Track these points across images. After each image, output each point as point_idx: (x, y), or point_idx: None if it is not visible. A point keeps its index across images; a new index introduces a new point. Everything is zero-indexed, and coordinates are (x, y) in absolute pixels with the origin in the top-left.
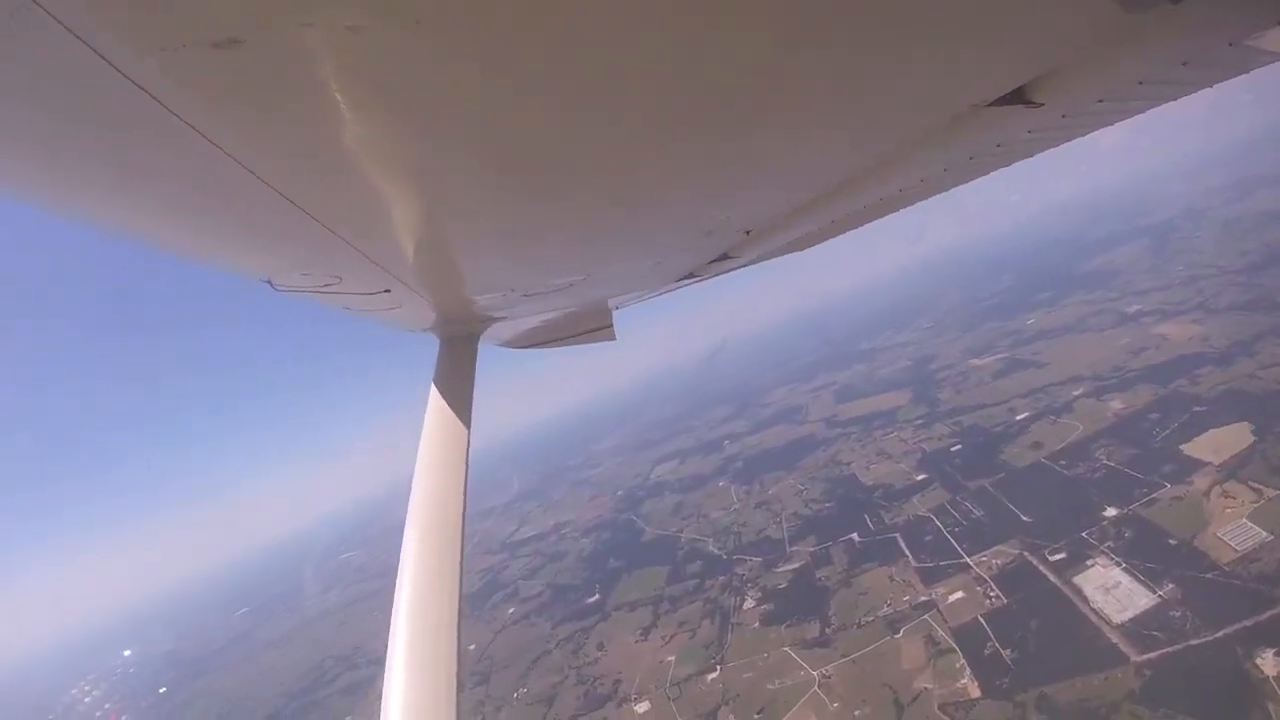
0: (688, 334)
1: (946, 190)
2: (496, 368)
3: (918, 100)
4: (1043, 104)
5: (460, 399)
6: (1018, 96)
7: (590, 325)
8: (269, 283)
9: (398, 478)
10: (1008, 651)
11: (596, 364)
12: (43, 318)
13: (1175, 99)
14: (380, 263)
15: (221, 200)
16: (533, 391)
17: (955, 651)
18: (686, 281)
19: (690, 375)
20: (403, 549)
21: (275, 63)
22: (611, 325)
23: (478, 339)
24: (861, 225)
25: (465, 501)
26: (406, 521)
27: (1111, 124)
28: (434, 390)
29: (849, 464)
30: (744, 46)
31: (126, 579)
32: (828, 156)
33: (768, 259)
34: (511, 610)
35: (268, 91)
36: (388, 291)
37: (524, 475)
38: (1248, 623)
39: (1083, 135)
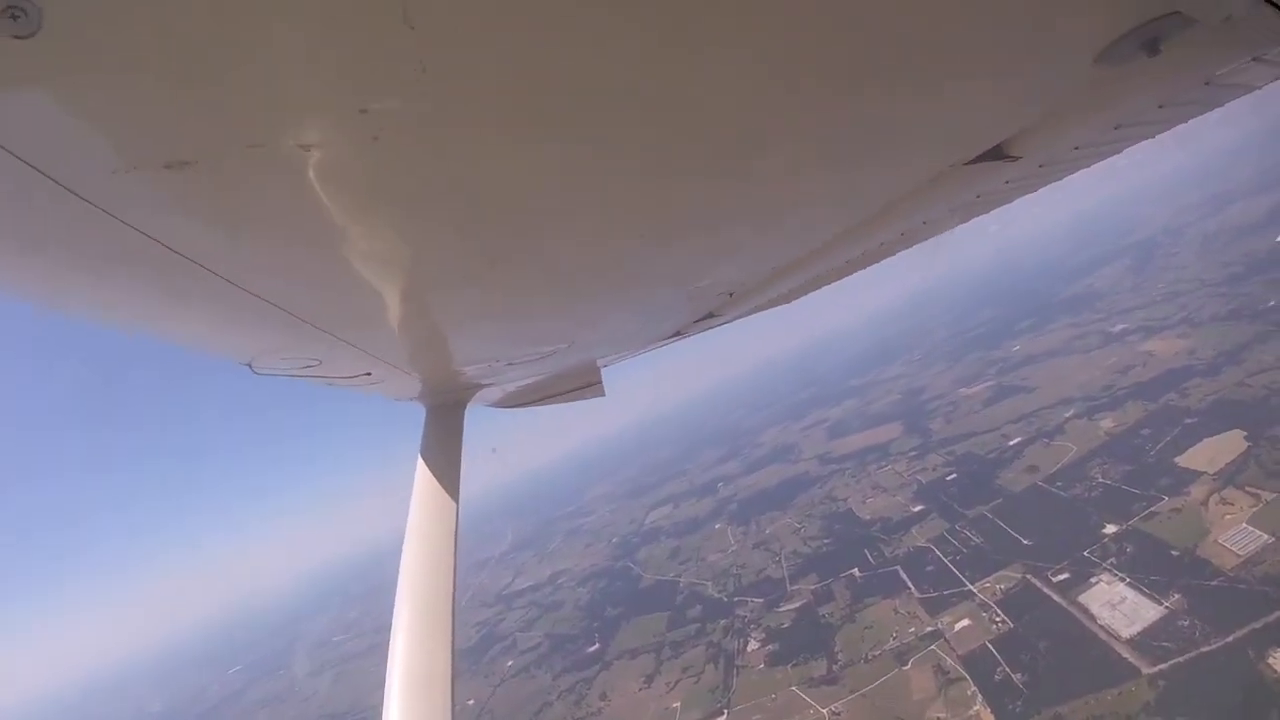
0: (674, 380)
1: (926, 240)
2: (484, 418)
3: (898, 166)
4: (1020, 157)
5: (448, 471)
6: (996, 153)
7: (579, 383)
8: (249, 365)
9: (390, 530)
10: (1018, 675)
11: (584, 412)
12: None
13: (1152, 137)
14: (359, 346)
15: (194, 300)
16: (521, 441)
17: (965, 679)
18: (672, 340)
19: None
20: (393, 625)
21: (228, 180)
22: (600, 382)
23: (464, 407)
24: (842, 278)
25: (455, 576)
26: (396, 597)
27: (1088, 166)
28: (421, 462)
29: (845, 500)
30: (727, 127)
31: (118, 636)
32: (807, 225)
33: (753, 314)
34: (510, 663)
35: (225, 204)
36: (368, 374)
37: (517, 526)
38: (1257, 625)
39: (1059, 180)
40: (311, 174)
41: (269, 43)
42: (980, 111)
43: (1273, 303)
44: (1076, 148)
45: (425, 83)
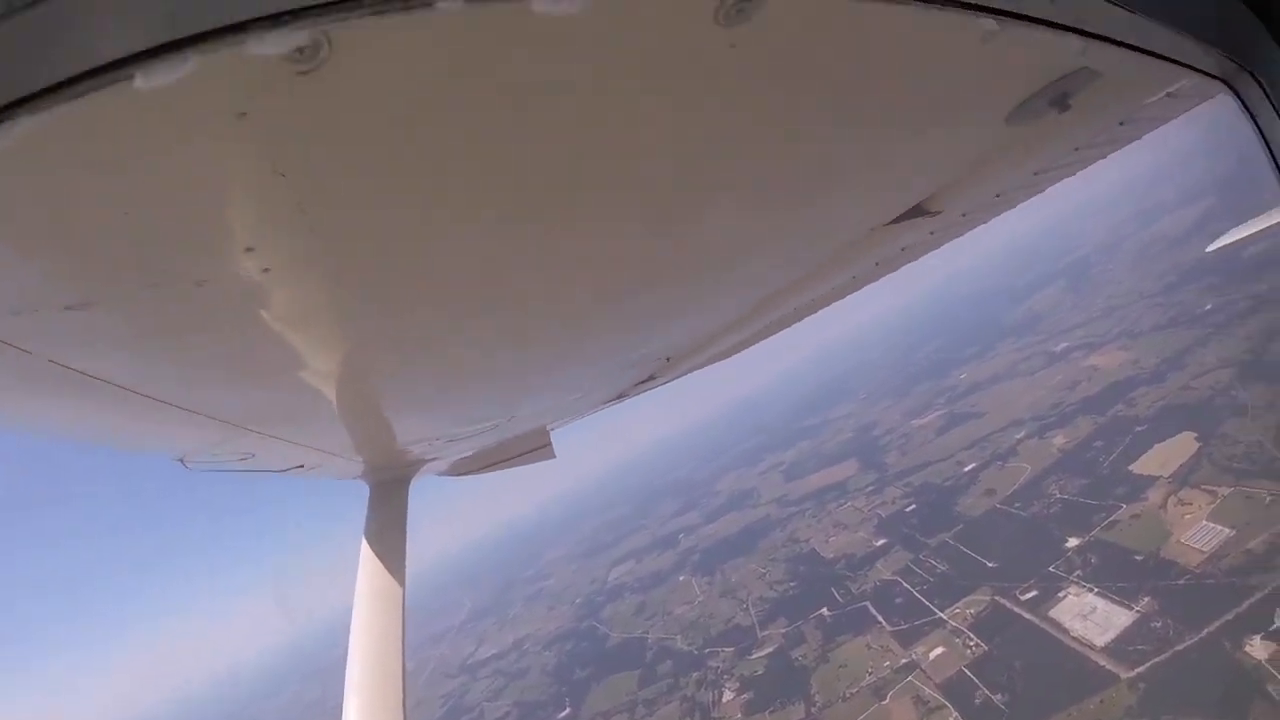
0: (620, 438)
1: (858, 290)
2: (431, 485)
3: (820, 236)
4: (941, 211)
5: (393, 552)
6: (917, 210)
7: (528, 447)
8: (181, 461)
9: (342, 604)
10: (999, 696)
11: (534, 472)
12: None
13: (1073, 175)
14: (291, 440)
15: (116, 414)
16: (472, 506)
17: (946, 707)
18: (614, 402)
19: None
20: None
21: (130, 316)
22: (550, 444)
23: (409, 483)
24: (777, 333)
25: (404, 662)
26: (345, 689)
27: (1014, 207)
28: (365, 544)
29: (807, 540)
30: (651, 212)
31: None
32: (734, 296)
33: (693, 371)
34: None
35: (130, 336)
36: (301, 465)
37: (475, 593)
38: (1229, 616)
39: (985, 223)
40: (210, 305)
41: (156, 199)
42: (896, 179)
43: (1209, 306)
44: (997, 195)
45: (307, 219)
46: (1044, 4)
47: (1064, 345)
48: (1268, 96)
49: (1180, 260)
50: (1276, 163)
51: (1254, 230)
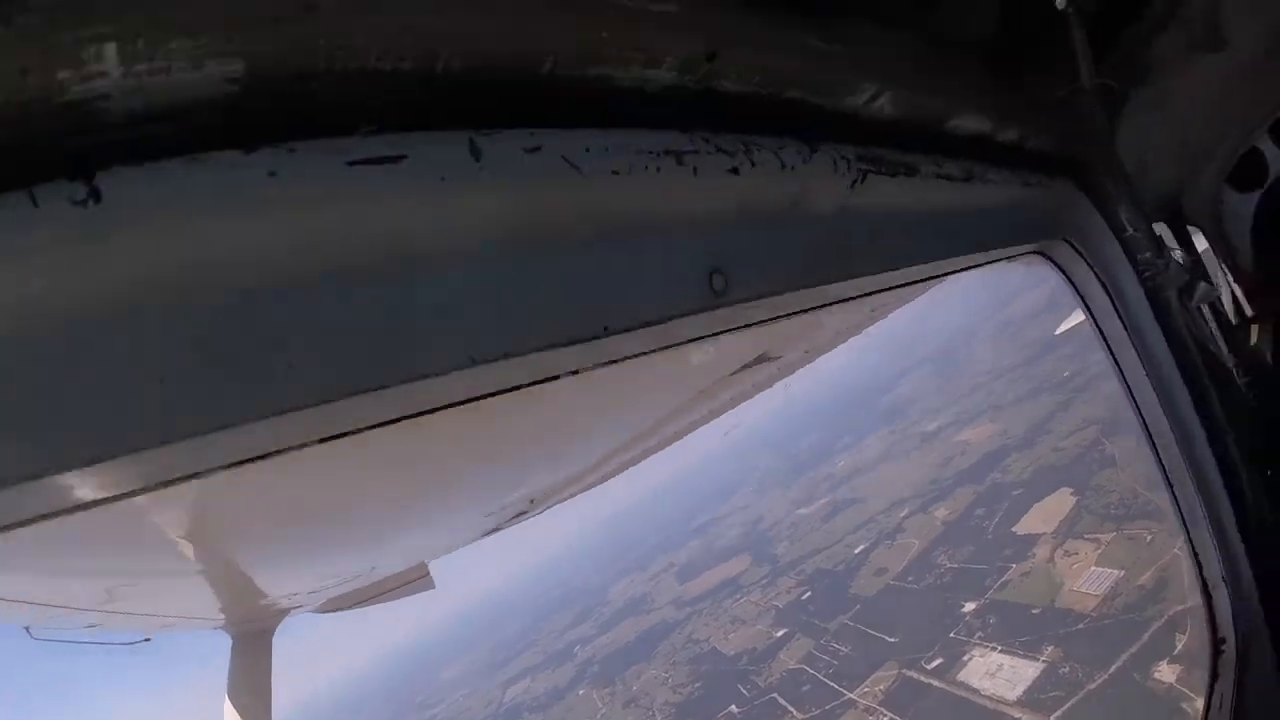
0: (505, 552)
1: (719, 416)
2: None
3: (665, 397)
4: (781, 356)
5: (258, 710)
6: (759, 359)
7: (405, 580)
8: (26, 629)
9: None
10: None
11: (416, 597)
12: None
13: (912, 300)
14: (137, 612)
15: None
16: (352, 634)
17: None
18: (489, 534)
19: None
20: None
21: None
22: (428, 575)
23: (273, 631)
24: (641, 461)
25: None
26: None
27: (858, 334)
28: (228, 703)
29: (707, 639)
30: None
31: None
32: (587, 451)
33: (564, 501)
34: None
35: None
36: (148, 639)
37: None
38: (1134, 649)
39: (829, 352)
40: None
41: None
42: (734, 347)
43: (1068, 373)
44: (836, 333)
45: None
46: (819, 295)
47: (935, 425)
48: (1083, 257)
49: (1038, 335)
50: (1094, 318)
51: None
